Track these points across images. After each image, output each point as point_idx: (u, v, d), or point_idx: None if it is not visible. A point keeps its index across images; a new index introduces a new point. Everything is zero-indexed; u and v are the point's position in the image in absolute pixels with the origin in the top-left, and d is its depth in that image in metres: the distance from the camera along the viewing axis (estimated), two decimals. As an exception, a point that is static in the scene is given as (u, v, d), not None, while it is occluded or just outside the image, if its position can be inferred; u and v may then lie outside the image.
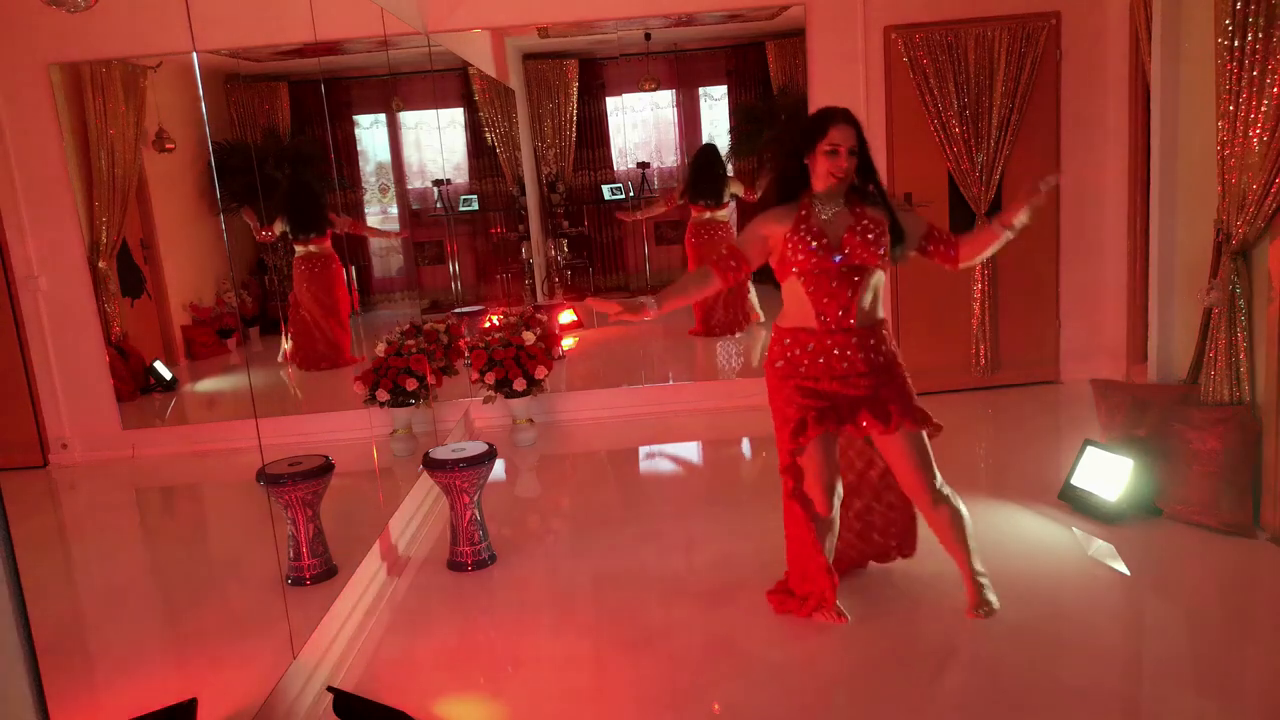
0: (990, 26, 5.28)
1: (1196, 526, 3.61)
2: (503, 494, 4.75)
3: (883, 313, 3.04)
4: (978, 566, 3.09)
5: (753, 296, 6.67)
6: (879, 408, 2.91)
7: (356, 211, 6.80)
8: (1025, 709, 2.61)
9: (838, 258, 2.91)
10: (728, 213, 6.66)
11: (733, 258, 3.02)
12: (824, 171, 2.92)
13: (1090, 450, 3.91)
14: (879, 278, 2.98)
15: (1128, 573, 3.40)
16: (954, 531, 3.03)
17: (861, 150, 2.94)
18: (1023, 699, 2.65)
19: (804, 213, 2.96)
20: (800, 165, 2.98)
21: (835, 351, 2.93)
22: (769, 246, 3.01)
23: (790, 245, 2.94)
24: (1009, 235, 2.91)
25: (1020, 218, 2.85)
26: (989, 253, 3.04)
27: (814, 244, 2.90)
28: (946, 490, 3.00)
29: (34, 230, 4.44)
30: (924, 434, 2.97)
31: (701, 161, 6.70)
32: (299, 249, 5.35)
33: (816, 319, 2.95)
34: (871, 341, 2.95)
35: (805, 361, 2.97)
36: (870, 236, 2.90)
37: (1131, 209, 5.39)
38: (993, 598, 3.07)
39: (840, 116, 2.92)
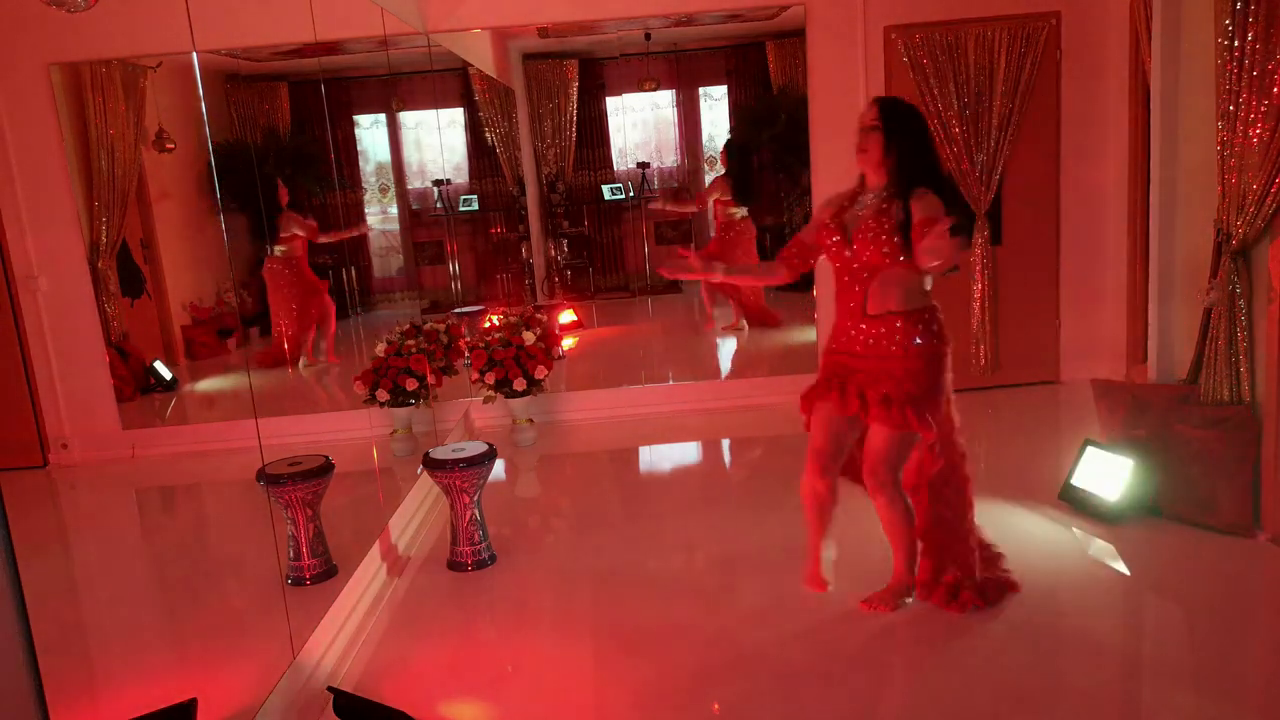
0: (990, 26, 5.28)
1: (1196, 526, 3.61)
2: (503, 494, 4.75)
3: (914, 304, 2.94)
4: (903, 565, 3.14)
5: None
6: (866, 394, 2.97)
7: (357, 212, 6.80)
8: (1025, 709, 2.61)
9: (848, 253, 2.97)
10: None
11: (794, 248, 3.16)
12: (856, 151, 2.97)
13: (1090, 450, 3.91)
14: (906, 275, 2.91)
15: (1128, 573, 3.40)
16: (885, 523, 3.10)
17: (892, 132, 2.88)
18: (1023, 699, 2.65)
19: (847, 201, 3.04)
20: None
21: (851, 333, 3.03)
22: (820, 233, 3.07)
23: (821, 232, 3.05)
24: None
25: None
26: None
27: (833, 238, 2.99)
28: (887, 488, 3.02)
29: (34, 230, 4.44)
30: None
31: (736, 159, 6.63)
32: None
33: (840, 304, 3.06)
34: (882, 331, 2.95)
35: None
36: (875, 235, 2.88)
37: (1131, 209, 5.39)
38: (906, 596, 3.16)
39: (875, 99, 2.99)
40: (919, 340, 2.93)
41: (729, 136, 6.87)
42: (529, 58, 6.91)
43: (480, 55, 6.62)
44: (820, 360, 3.19)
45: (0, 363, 4.41)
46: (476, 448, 3.72)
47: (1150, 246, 4.14)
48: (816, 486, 3.10)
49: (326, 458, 3.48)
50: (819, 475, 3.09)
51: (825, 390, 3.06)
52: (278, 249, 5.26)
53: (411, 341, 4.97)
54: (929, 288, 2.97)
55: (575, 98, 6.96)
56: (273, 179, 5.25)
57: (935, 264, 2.73)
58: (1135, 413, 3.87)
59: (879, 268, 2.92)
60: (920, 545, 3.20)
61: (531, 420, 5.41)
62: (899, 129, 2.89)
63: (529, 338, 5.24)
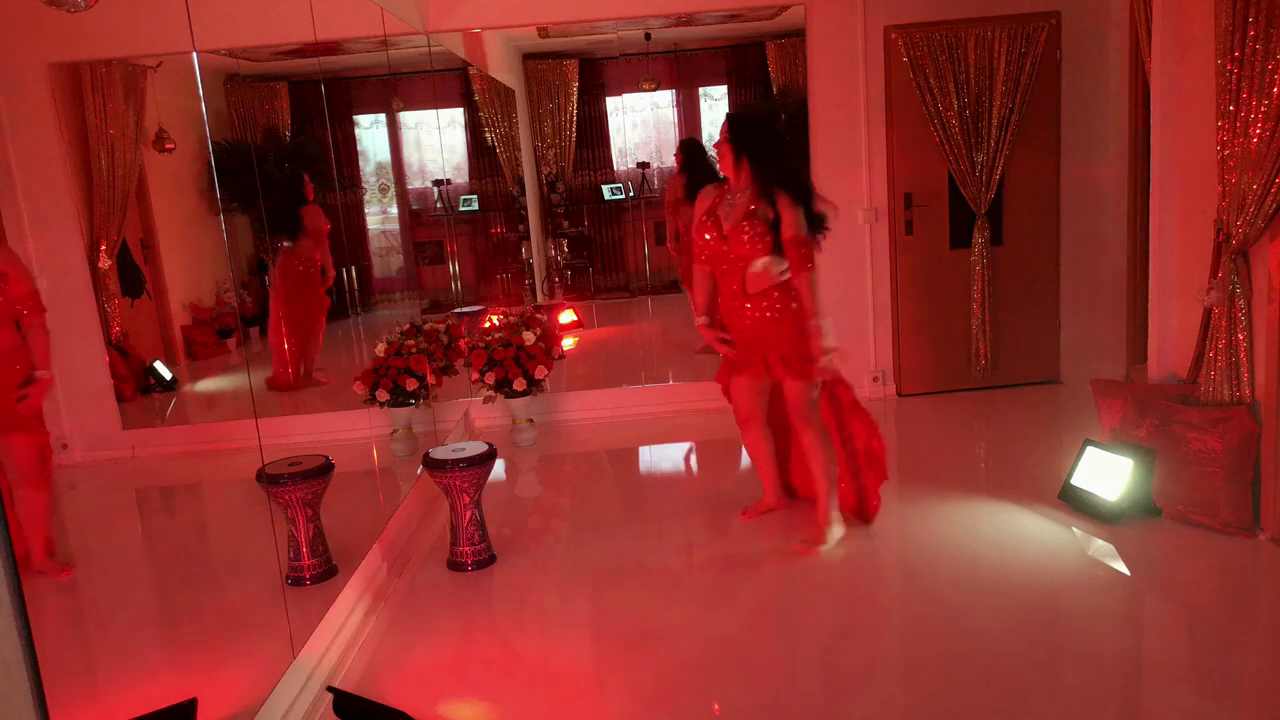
0: (990, 26, 5.28)
1: (1196, 526, 3.61)
2: (503, 494, 4.75)
3: (780, 278, 3.54)
4: (829, 504, 3.70)
5: None
6: (768, 359, 3.61)
7: (356, 211, 6.79)
8: (1025, 709, 2.61)
9: (724, 248, 3.56)
10: None
11: (685, 242, 3.68)
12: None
13: (1090, 450, 3.91)
14: (763, 261, 3.51)
15: (1128, 573, 3.40)
16: (810, 463, 3.73)
17: (741, 143, 3.48)
18: (1023, 699, 2.65)
19: (718, 198, 3.61)
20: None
21: (743, 309, 3.61)
22: (699, 206, 3.66)
23: (696, 228, 3.63)
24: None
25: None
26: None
27: (708, 235, 3.58)
28: (810, 429, 3.65)
29: (34, 230, 4.44)
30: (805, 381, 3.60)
31: (694, 158, 6.55)
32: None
33: (724, 289, 3.66)
34: (764, 304, 3.56)
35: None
36: (745, 237, 3.49)
37: (1131, 209, 5.39)
38: (835, 536, 3.68)
39: (728, 115, 3.59)
40: (793, 305, 3.54)
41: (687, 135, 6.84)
42: (529, 58, 6.91)
43: (480, 55, 6.62)
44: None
45: (0, 363, 4.40)
46: (476, 448, 3.72)
47: (1150, 246, 4.14)
48: (755, 439, 3.90)
49: (326, 458, 3.48)
50: (756, 430, 3.88)
51: (745, 365, 3.69)
52: (288, 244, 5.20)
53: (411, 341, 4.97)
54: (783, 269, 3.55)
55: (575, 98, 6.96)
56: (274, 177, 5.25)
57: (803, 275, 3.42)
58: (1135, 413, 3.87)
59: (750, 259, 3.52)
60: (839, 471, 3.81)
61: (531, 420, 5.41)
62: (745, 141, 3.48)
63: (529, 338, 5.24)
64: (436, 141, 7.03)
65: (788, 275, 3.50)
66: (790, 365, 3.56)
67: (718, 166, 3.65)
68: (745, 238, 3.49)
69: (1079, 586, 3.29)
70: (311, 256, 5.27)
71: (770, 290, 3.54)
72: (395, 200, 6.97)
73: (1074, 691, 2.66)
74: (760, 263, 3.50)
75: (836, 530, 3.69)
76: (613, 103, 7.04)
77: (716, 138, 3.58)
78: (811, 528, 3.75)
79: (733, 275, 3.58)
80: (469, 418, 5.62)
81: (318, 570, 3.45)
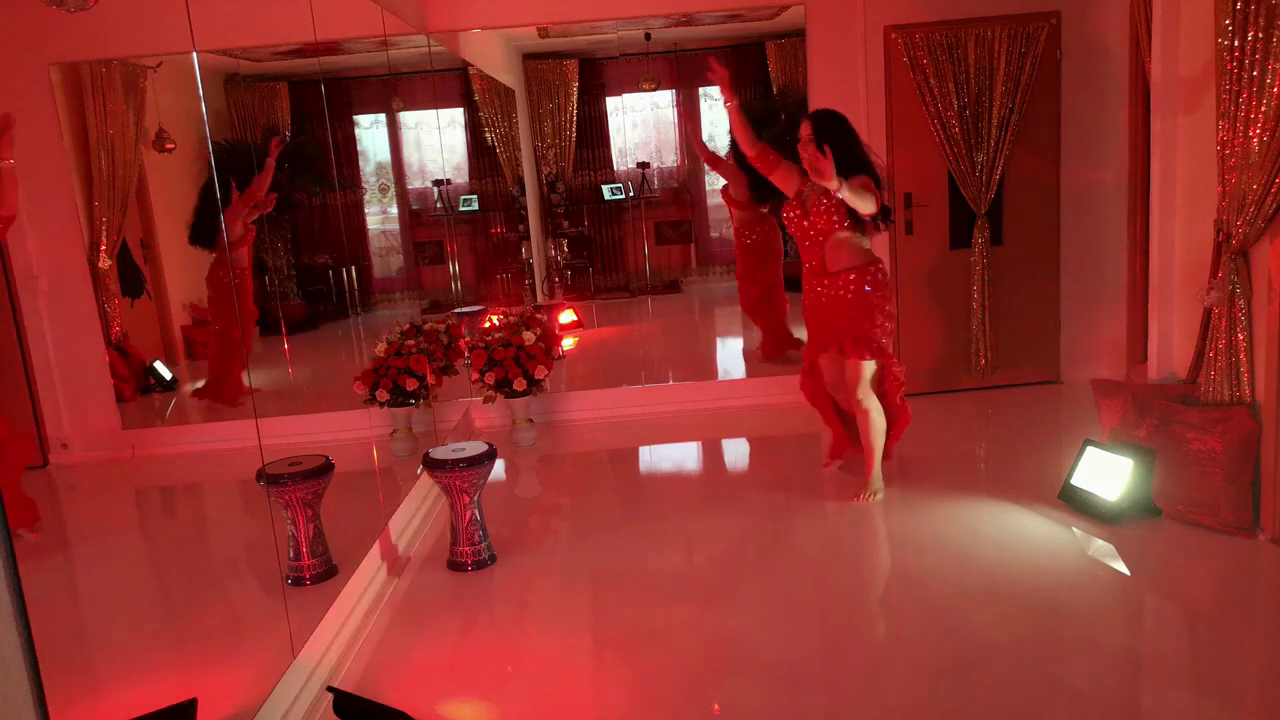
0: (990, 26, 5.28)
1: (1196, 526, 3.61)
2: (503, 494, 4.75)
3: (858, 260, 3.90)
4: (876, 466, 4.11)
5: None
6: (840, 338, 3.95)
7: (356, 211, 6.79)
8: (1025, 709, 2.61)
9: (806, 223, 3.94)
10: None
11: (773, 154, 4.05)
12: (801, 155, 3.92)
13: (1090, 450, 3.91)
14: (843, 234, 3.88)
15: (1128, 573, 3.40)
16: (865, 431, 4.08)
17: (823, 140, 3.75)
18: (1023, 699, 2.65)
19: (803, 186, 3.98)
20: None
21: (817, 289, 3.99)
22: (787, 180, 4.03)
23: (785, 206, 4.03)
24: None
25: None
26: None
27: (792, 213, 3.97)
28: (867, 403, 4.02)
29: (34, 230, 4.44)
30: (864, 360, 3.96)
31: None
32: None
33: (806, 265, 4.03)
34: (840, 283, 3.91)
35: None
36: (823, 208, 3.85)
37: (1131, 209, 5.39)
38: (879, 489, 4.10)
39: (807, 116, 3.94)
40: (868, 289, 3.89)
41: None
42: (529, 58, 6.92)
43: (480, 55, 6.62)
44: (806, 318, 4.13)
45: (0, 362, 4.41)
46: (476, 448, 3.72)
47: (1150, 246, 4.14)
48: (840, 404, 4.25)
49: (326, 458, 3.48)
50: (842, 396, 4.19)
51: (824, 346, 4.04)
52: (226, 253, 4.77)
53: (411, 341, 4.97)
54: (868, 246, 3.95)
55: (575, 98, 6.97)
56: (274, 178, 5.22)
57: (830, 184, 3.58)
58: (1135, 413, 3.87)
59: (829, 232, 3.87)
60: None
61: (531, 420, 5.41)
62: (828, 137, 3.74)
63: (529, 338, 5.24)
64: (436, 141, 7.04)
65: (862, 261, 3.89)
66: (860, 344, 3.91)
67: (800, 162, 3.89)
68: (823, 208, 3.84)
69: (1079, 586, 3.29)
70: (239, 264, 4.99)
71: (848, 272, 3.88)
72: (395, 200, 6.97)
73: (1074, 691, 2.67)
74: (842, 235, 3.87)
75: (879, 493, 4.12)
76: (613, 103, 7.04)
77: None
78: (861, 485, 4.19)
79: (813, 250, 3.95)
80: (469, 418, 5.62)
81: (318, 570, 3.45)
